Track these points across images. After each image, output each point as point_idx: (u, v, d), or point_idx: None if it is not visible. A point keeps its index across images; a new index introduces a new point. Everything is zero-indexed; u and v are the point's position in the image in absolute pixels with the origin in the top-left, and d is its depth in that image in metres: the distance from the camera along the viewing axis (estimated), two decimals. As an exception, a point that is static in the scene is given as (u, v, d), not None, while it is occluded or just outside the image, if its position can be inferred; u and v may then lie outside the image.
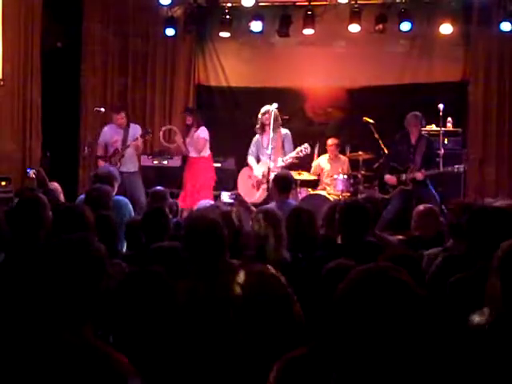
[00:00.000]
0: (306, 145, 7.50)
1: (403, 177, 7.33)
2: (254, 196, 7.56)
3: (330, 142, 8.78)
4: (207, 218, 2.96)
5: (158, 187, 5.92)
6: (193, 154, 8.08)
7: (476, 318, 2.34)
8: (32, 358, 1.78)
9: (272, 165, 7.35)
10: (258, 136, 7.72)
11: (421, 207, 4.79)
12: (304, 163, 8.25)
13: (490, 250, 3.03)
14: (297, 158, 7.57)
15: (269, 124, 7.38)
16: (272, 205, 5.57)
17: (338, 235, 4.02)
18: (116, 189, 5.68)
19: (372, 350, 1.58)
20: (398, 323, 1.58)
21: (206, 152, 8.08)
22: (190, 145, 8.05)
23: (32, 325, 1.92)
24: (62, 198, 6.27)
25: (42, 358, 1.77)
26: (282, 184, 5.76)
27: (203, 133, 8.00)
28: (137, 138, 7.84)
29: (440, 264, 3.44)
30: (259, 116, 7.59)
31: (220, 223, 2.96)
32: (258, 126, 7.65)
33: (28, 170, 7.09)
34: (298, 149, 7.47)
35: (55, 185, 6.33)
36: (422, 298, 1.65)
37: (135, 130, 7.98)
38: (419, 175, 7.19)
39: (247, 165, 7.83)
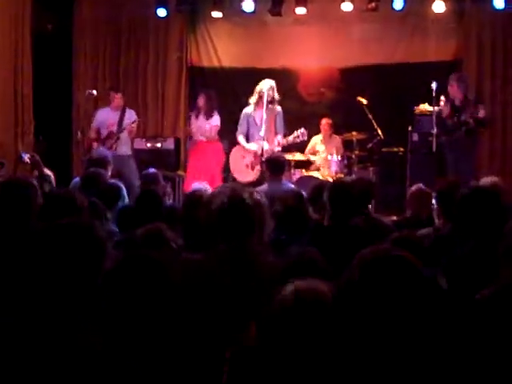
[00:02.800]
0: (303, 129, 7.49)
1: (462, 116, 7.10)
2: (249, 176, 7.52)
3: (324, 121, 8.78)
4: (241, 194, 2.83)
5: (151, 169, 5.85)
6: (201, 137, 8.05)
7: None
8: (25, 346, 1.78)
9: (266, 145, 7.32)
10: (247, 111, 7.55)
11: (413, 188, 4.80)
12: (298, 144, 8.23)
13: (481, 228, 3.08)
14: (293, 142, 7.58)
15: (268, 101, 7.30)
16: (264, 186, 5.58)
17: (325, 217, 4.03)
18: (109, 173, 5.68)
19: (382, 329, 1.59)
20: (407, 303, 1.60)
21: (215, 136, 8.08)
22: (200, 130, 8.00)
23: (26, 312, 1.91)
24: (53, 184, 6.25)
25: (35, 347, 1.78)
26: (275, 166, 5.77)
27: (216, 121, 7.97)
28: (133, 122, 7.92)
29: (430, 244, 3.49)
30: (262, 90, 7.38)
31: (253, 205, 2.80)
32: (254, 101, 7.50)
33: (22, 155, 7.01)
34: (295, 133, 7.46)
35: (48, 172, 6.31)
36: (428, 278, 1.67)
37: (131, 114, 8.09)
38: (482, 112, 7.07)
39: (237, 143, 7.74)
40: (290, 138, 7.50)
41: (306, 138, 7.70)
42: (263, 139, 7.21)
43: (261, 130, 7.27)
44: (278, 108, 7.55)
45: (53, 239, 1.95)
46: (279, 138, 7.46)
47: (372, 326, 1.61)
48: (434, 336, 1.69)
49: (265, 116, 7.26)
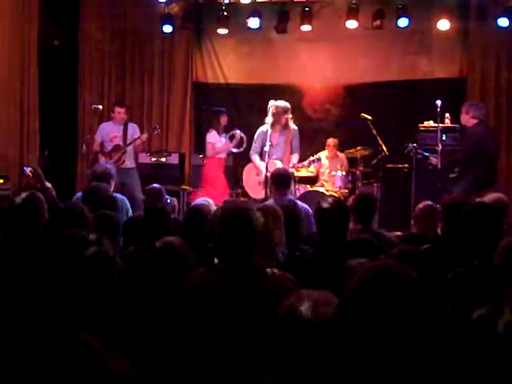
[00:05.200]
0: (319, 156, 7.49)
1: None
2: (261, 193, 7.39)
3: (330, 141, 8.78)
4: (245, 209, 2.81)
5: (155, 185, 5.83)
6: (222, 155, 8.38)
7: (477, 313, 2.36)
8: (29, 357, 1.77)
9: (280, 164, 7.18)
10: (263, 130, 7.26)
11: (420, 205, 4.78)
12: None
13: (486, 245, 3.07)
14: (307, 166, 7.59)
15: (284, 123, 7.21)
16: (270, 201, 5.55)
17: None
18: (112, 186, 5.68)
19: (382, 347, 1.58)
20: (409, 320, 1.58)
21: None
22: (224, 147, 8.29)
23: (31, 324, 1.90)
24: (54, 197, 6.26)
25: (39, 357, 1.77)
26: (280, 180, 5.74)
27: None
28: (139, 137, 8.02)
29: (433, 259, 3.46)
30: (277, 111, 7.13)
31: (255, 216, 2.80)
32: (269, 121, 7.15)
33: (25, 168, 7.07)
34: (311, 159, 7.39)
35: (48, 185, 6.34)
36: (432, 295, 1.65)
37: (134, 128, 8.15)
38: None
39: (251, 161, 7.58)
40: (305, 163, 7.44)
41: (321, 163, 7.87)
42: (268, 154, 7.08)
43: (268, 147, 7.09)
44: (294, 127, 7.32)
45: (62, 252, 1.95)
46: (294, 159, 7.30)
47: (371, 344, 1.60)
48: (437, 353, 1.67)
49: (269, 131, 7.15)
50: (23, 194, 3.66)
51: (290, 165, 7.22)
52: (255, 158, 7.44)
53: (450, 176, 7.18)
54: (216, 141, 8.30)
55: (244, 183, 7.71)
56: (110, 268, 1.97)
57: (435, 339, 1.62)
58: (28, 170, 6.83)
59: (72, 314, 1.85)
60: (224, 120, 8.32)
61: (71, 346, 1.78)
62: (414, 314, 1.57)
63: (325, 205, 3.70)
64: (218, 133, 8.33)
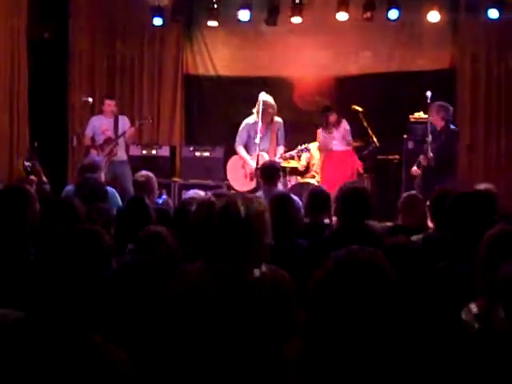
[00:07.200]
0: (307, 145, 7.47)
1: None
2: (247, 186, 7.39)
3: (320, 131, 8.77)
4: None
5: (142, 172, 5.57)
6: (338, 147, 7.97)
7: (464, 316, 2.37)
8: (31, 352, 1.79)
9: (266, 156, 7.20)
10: (249, 122, 7.32)
11: (404, 195, 4.81)
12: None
13: (471, 235, 3.07)
14: (295, 155, 7.57)
15: (270, 116, 7.21)
16: (259, 193, 5.57)
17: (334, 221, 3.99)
18: (102, 178, 5.69)
19: (347, 332, 1.60)
20: (372, 306, 1.60)
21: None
22: (337, 139, 7.92)
23: (30, 319, 1.91)
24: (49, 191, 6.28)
25: (40, 352, 1.79)
26: (269, 173, 5.76)
27: (347, 125, 7.96)
28: (131, 126, 8.04)
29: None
30: (264, 106, 7.14)
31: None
32: (256, 113, 7.19)
33: (24, 163, 7.12)
34: (300, 148, 7.39)
35: (45, 179, 6.36)
36: (395, 282, 1.67)
37: (125, 120, 8.17)
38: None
39: (236, 153, 7.62)
40: (293, 153, 7.44)
41: (309, 154, 7.78)
42: (259, 146, 7.10)
43: (259, 139, 7.08)
44: (279, 119, 7.38)
45: (63, 244, 1.94)
46: (281, 150, 7.34)
47: (337, 328, 1.62)
48: (398, 341, 1.69)
49: (260, 124, 7.16)
50: (9, 188, 3.66)
51: (278, 155, 7.26)
52: (240, 149, 7.44)
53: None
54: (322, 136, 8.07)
55: (228, 176, 7.67)
56: (108, 261, 1.98)
57: (398, 324, 1.64)
58: (27, 163, 6.88)
59: (73, 306, 1.87)
60: (333, 117, 8.01)
61: (73, 338, 1.81)
62: (375, 299, 1.60)
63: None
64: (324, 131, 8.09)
